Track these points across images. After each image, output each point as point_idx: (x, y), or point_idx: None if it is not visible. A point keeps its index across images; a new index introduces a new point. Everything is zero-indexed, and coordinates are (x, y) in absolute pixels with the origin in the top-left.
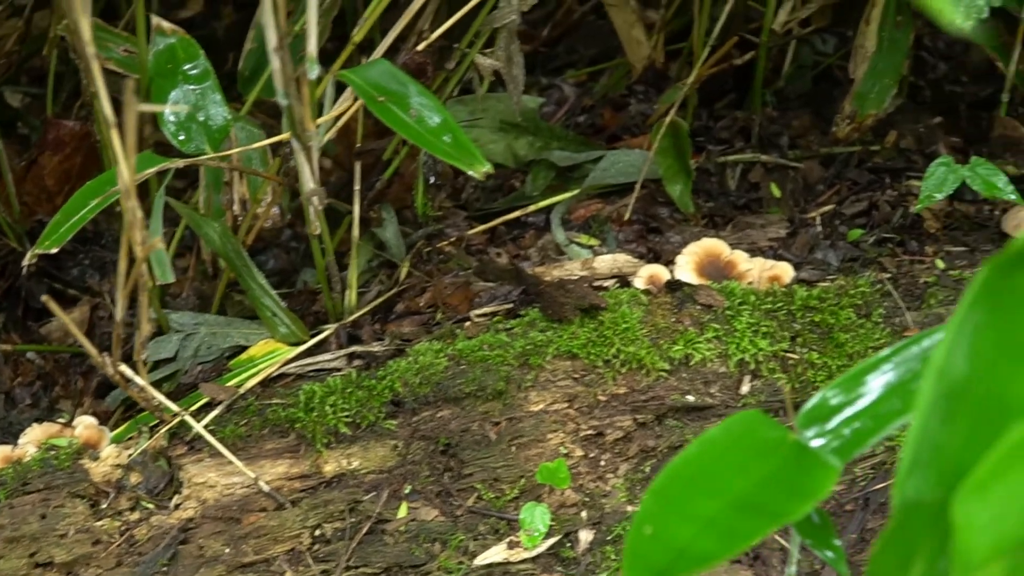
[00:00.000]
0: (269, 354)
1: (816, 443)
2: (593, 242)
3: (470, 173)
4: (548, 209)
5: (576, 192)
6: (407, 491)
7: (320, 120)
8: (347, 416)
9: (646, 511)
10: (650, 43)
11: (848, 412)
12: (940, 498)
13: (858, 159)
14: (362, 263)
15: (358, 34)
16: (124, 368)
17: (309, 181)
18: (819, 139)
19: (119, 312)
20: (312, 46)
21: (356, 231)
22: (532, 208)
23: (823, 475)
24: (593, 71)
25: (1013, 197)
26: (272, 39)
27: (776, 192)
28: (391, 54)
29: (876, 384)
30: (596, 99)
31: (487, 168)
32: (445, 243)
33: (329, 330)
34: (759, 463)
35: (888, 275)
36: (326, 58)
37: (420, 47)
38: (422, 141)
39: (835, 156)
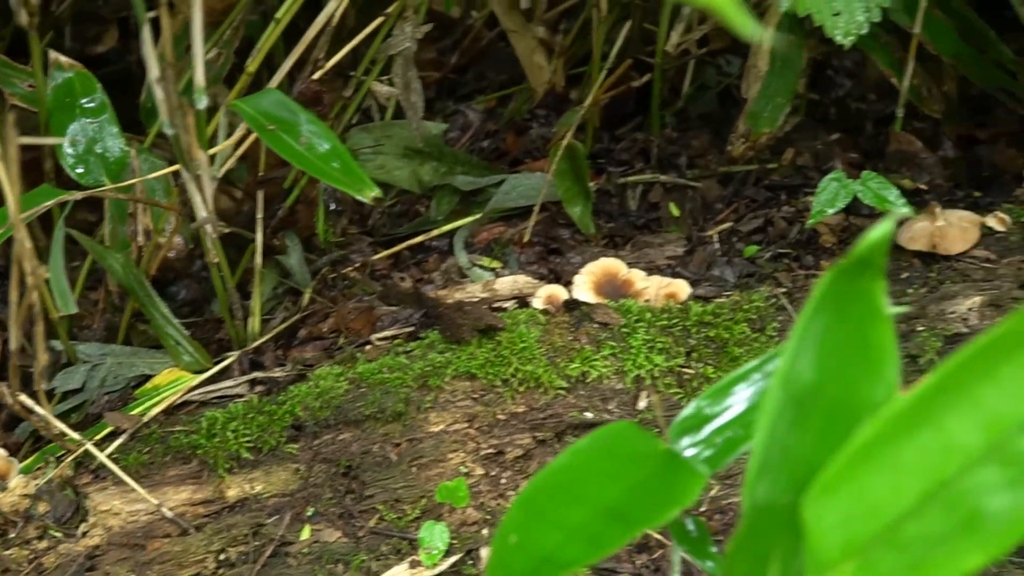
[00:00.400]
0: (173, 382)
1: (690, 452)
2: (495, 264)
3: (359, 198)
4: (451, 233)
5: (478, 216)
6: (309, 513)
7: (215, 149)
8: (248, 441)
9: (512, 521)
10: (551, 68)
11: (719, 422)
12: (793, 500)
13: (756, 177)
14: (267, 291)
15: (252, 64)
16: (24, 398)
17: (201, 209)
18: (718, 158)
19: (13, 342)
20: (199, 76)
21: (259, 259)
22: (436, 232)
23: (689, 482)
24: (501, 96)
25: (905, 210)
26: (154, 70)
27: (675, 211)
28: (292, 82)
29: (745, 394)
30: (500, 124)
31: (375, 192)
32: (350, 269)
33: (232, 357)
34: (628, 472)
35: (783, 290)
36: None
37: (315, 76)
38: (311, 168)
39: (733, 175)
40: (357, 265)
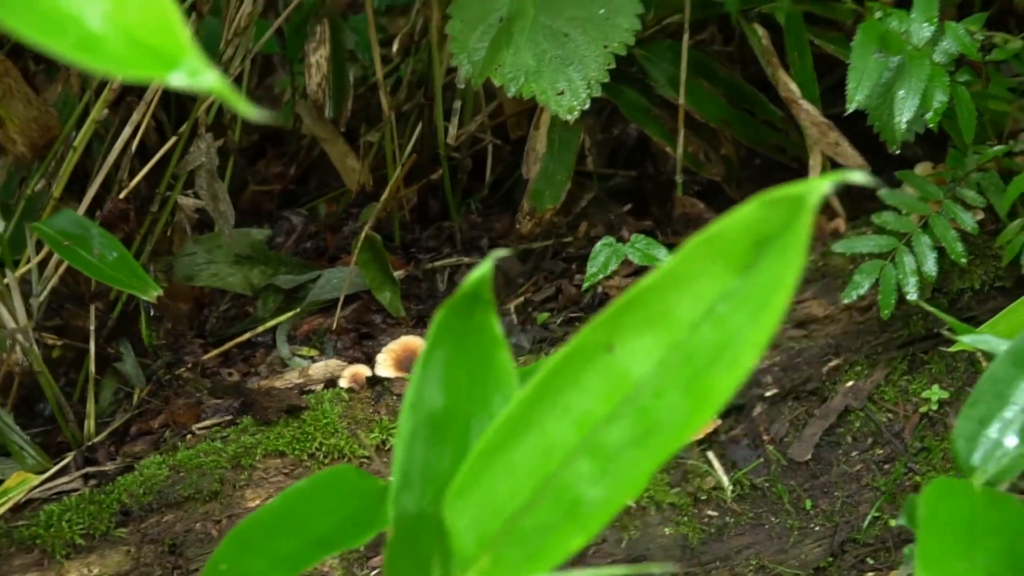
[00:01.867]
0: (20, 484)
1: None
2: (313, 352)
3: (143, 298)
4: (275, 328)
5: (297, 310)
6: None
7: (22, 268)
8: (81, 528)
9: (223, 552)
10: (362, 169)
11: None
12: (440, 509)
13: (553, 251)
14: (108, 396)
15: (57, 189)
16: None
17: (9, 321)
18: (519, 238)
19: None
20: None
21: (92, 367)
22: (260, 329)
23: None
24: (331, 199)
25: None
26: None
27: None
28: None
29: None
30: (321, 225)
31: (157, 292)
32: (183, 369)
33: (69, 457)
34: (343, 506)
35: None
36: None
37: (121, 195)
38: (103, 276)
39: (533, 251)
40: (189, 365)
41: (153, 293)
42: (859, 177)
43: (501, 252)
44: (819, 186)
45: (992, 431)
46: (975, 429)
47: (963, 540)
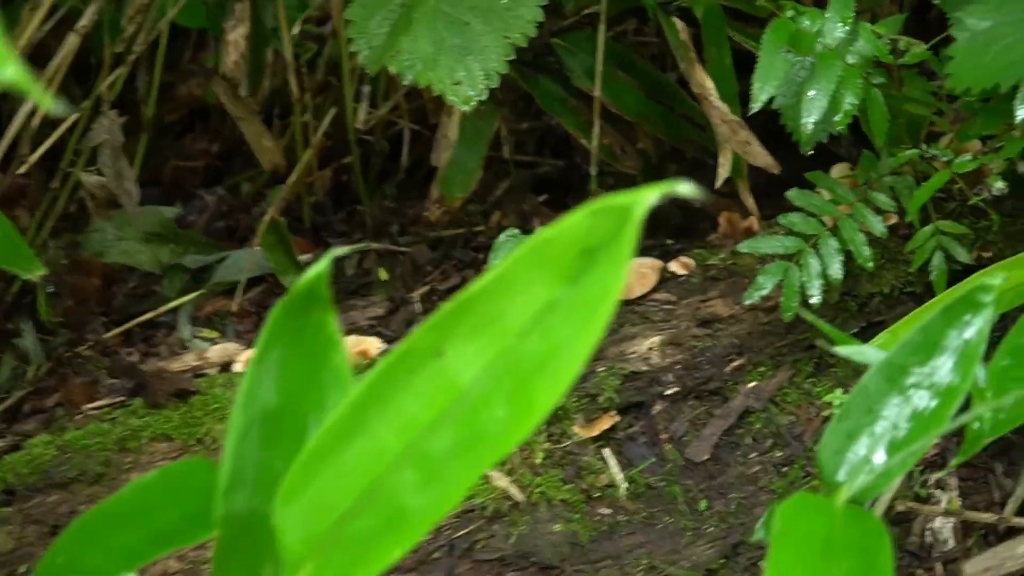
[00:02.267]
0: None
1: None
2: (215, 335)
3: (26, 277)
4: (178, 309)
5: (201, 291)
6: (22, 570)
7: None
8: None
9: (61, 544)
10: (276, 150)
11: None
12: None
13: (464, 240)
14: (7, 372)
15: None
16: None
17: None
18: (428, 225)
19: None
20: None
21: None
22: (163, 309)
23: None
24: (250, 177)
25: None
26: None
27: (383, 275)
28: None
29: None
30: (235, 205)
31: (42, 271)
32: (84, 347)
33: None
34: (189, 501)
35: None
36: None
37: (21, 170)
38: None
39: (444, 239)
40: (90, 344)
41: (37, 273)
42: (686, 189)
43: (340, 250)
44: (645, 198)
45: (860, 447)
46: (843, 444)
47: (817, 558)
